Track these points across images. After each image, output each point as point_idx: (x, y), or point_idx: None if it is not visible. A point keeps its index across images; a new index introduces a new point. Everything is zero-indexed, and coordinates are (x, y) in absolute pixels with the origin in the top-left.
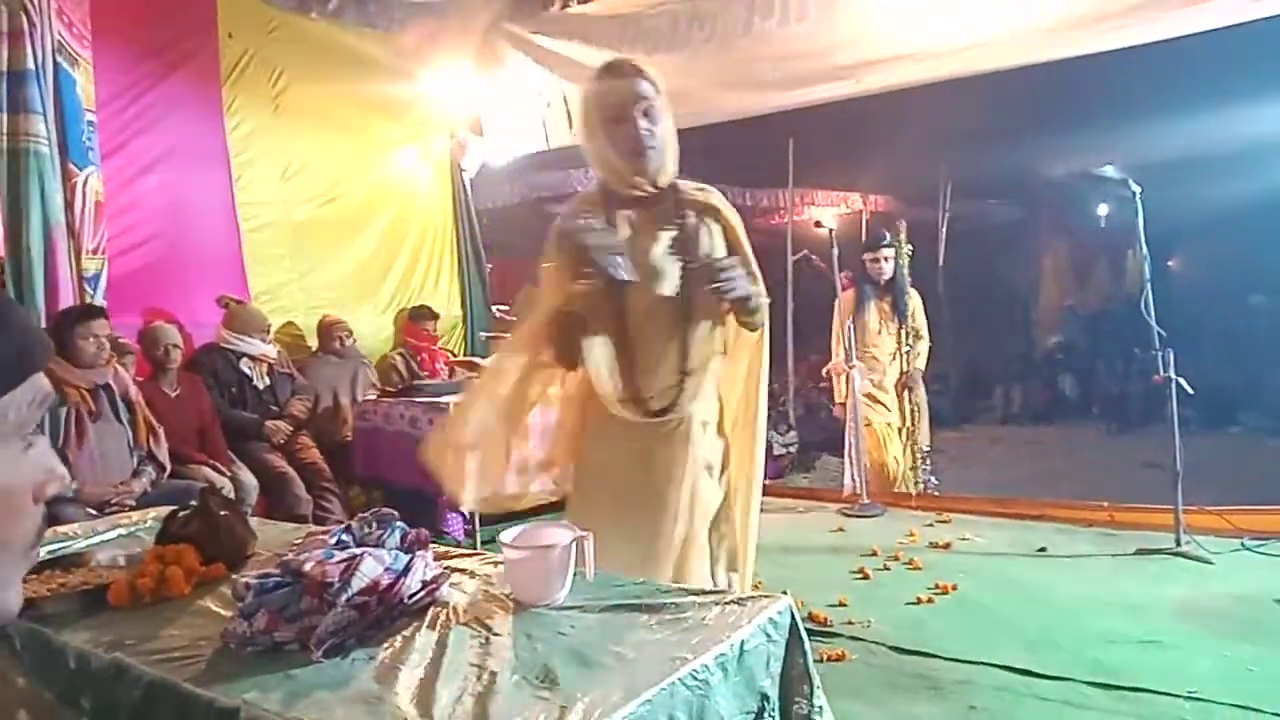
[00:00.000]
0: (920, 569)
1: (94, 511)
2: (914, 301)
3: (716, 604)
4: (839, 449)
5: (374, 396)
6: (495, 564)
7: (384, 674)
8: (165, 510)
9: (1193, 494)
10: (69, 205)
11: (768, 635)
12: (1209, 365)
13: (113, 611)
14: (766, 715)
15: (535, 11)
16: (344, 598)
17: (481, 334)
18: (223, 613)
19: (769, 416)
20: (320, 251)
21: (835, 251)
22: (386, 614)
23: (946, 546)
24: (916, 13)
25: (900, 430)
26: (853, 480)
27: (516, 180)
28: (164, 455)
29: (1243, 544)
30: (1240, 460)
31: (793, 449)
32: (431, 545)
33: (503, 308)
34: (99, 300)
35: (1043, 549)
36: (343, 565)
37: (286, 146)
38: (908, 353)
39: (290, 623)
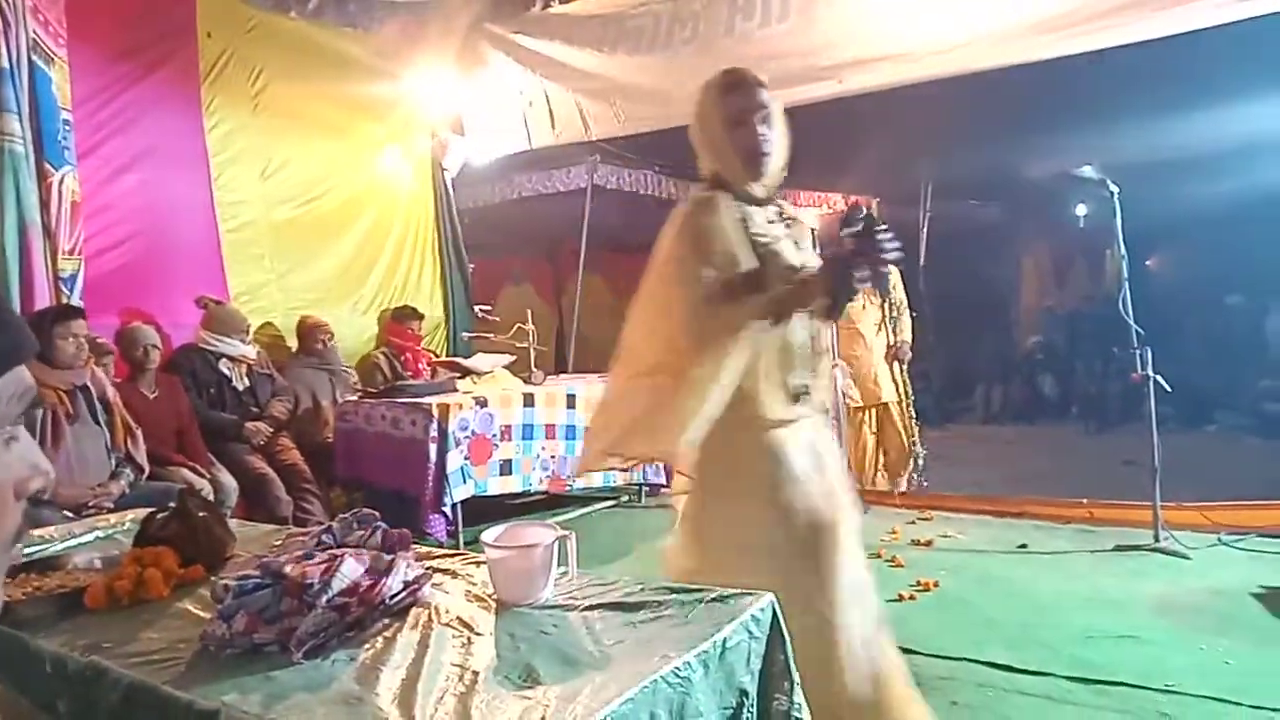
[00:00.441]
0: (902, 566)
1: (71, 514)
2: (894, 275)
3: (700, 601)
4: None
5: (355, 397)
6: (478, 564)
7: (365, 675)
8: (143, 512)
9: (1171, 491)
10: (45, 205)
11: (750, 632)
12: (1187, 364)
13: (90, 614)
14: (745, 711)
15: (517, 11)
16: (324, 599)
17: (464, 334)
18: (202, 615)
19: None
20: (300, 251)
21: (817, 250)
22: (368, 615)
23: (928, 544)
24: (897, 15)
25: (899, 405)
26: None
27: (499, 180)
28: (142, 457)
29: (1219, 539)
30: (1217, 457)
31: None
32: (414, 546)
33: (485, 308)
34: (75, 301)
35: (1023, 546)
36: (323, 566)
37: (266, 146)
38: (894, 322)
39: (270, 624)
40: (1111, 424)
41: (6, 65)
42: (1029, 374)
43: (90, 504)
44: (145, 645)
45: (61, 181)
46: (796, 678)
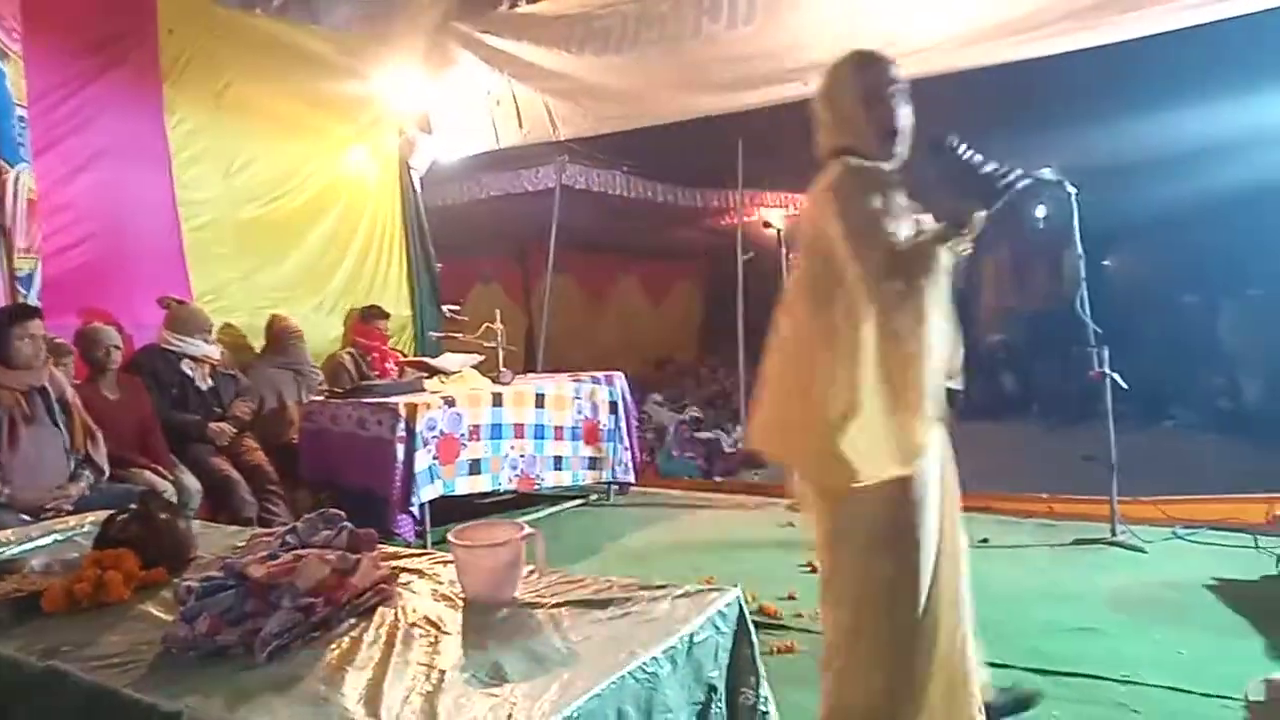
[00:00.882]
0: None
1: (28, 517)
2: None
3: (666, 598)
4: None
5: (321, 398)
6: (446, 564)
7: (331, 675)
8: (103, 515)
9: (1128, 486)
10: None
11: (716, 627)
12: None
13: (47, 618)
14: (714, 706)
15: (484, 11)
16: (289, 599)
17: (432, 334)
18: (164, 617)
19: (720, 415)
20: (265, 251)
21: (784, 251)
22: (334, 615)
23: None
24: (861, 18)
25: None
26: None
27: (467, 179)
28: (102, 459)
29: (1174, 533)
30: (1173, 453)
31: (743, 446)
32: (381, 546)
33: (453, 307)
34: (33, 300)
35: (985, 540)
36: (287, 566)
37: (230, 144)
38: None
39: (234, 625)
40: (1071, 421)
41: None
42: (990, 372)
43: (48, 506)
44: (106, 648)
45: (17, 179)
46: (762, 671)
